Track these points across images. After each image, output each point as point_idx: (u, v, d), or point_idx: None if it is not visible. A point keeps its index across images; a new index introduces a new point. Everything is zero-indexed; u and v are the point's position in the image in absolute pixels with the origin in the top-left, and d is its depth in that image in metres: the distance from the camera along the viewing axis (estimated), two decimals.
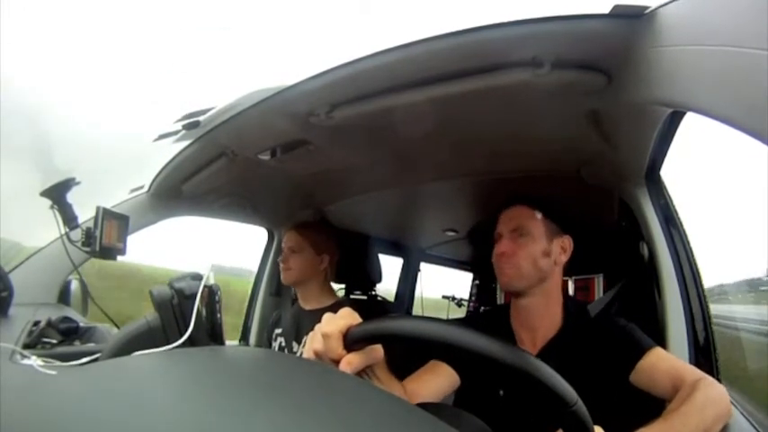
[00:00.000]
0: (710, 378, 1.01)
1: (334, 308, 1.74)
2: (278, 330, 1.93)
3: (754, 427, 1.03)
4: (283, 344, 1.86)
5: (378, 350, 0.69)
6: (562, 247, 1.25)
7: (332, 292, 1.94)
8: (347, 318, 0.68)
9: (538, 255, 1.20)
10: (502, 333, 1.25)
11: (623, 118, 1.09)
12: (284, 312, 1.96)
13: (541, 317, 1.23)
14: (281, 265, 1.85)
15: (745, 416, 1.04)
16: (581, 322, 1.23)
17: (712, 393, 0.96)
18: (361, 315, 0.70)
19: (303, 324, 1.82)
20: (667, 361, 1.09)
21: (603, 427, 0.66)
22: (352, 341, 0.65)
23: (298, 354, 1.75)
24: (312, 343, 0.68)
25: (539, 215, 1.23)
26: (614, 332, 1.17)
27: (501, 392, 1.16)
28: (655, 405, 1.05)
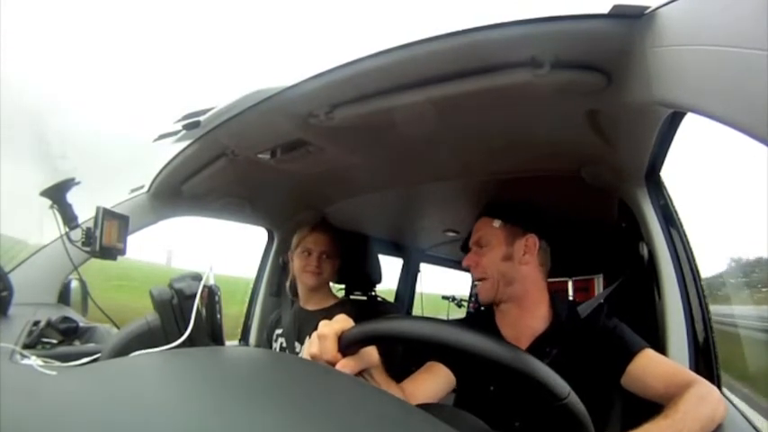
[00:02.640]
0: (703, 379, 1.01)
1: (336, 308, 1.73)
2: (278, 331, 1.93)
3: (753, 427, 1.03)
4: (284, 344, 1.87)
5: (373, 354, 0.73)
6: (525, 246, 1.28)
7: (332, 292, 1.95)
8: (342, 322, 0.72)
9: (497, 260, 1.27)
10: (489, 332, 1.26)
11: (623, 118, 1.09)
12: (284, 313, 1.96)
13: (522, 318, 1.26)
14: (311, 268, 1.83)
15: (743, 415, 1.04)
16: (570, 323, 1.23)
17: (705, 394, 0.97)
18: (362, 315, 0.71)
19: (306, 324, 1.83)
20: (658, 363, 1.09)
21: (596, 430, 0.66)
22: (347, 344, 0.67)
23: (300, 354, 1.75)
24: (310, 346, 0.72)
25: (497, 223, 1.30)
26: (604, 334, 1.17)
27: (492, 388, 1.18)
28: (646, 408, 1.06)
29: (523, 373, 0.53)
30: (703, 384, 0.99)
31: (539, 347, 1.19)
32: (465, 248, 1.38)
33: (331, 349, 0.68)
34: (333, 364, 0.67)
